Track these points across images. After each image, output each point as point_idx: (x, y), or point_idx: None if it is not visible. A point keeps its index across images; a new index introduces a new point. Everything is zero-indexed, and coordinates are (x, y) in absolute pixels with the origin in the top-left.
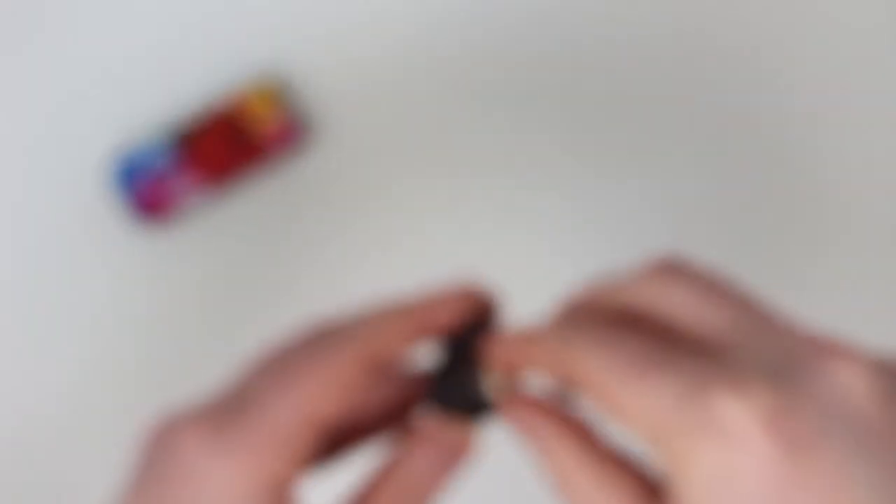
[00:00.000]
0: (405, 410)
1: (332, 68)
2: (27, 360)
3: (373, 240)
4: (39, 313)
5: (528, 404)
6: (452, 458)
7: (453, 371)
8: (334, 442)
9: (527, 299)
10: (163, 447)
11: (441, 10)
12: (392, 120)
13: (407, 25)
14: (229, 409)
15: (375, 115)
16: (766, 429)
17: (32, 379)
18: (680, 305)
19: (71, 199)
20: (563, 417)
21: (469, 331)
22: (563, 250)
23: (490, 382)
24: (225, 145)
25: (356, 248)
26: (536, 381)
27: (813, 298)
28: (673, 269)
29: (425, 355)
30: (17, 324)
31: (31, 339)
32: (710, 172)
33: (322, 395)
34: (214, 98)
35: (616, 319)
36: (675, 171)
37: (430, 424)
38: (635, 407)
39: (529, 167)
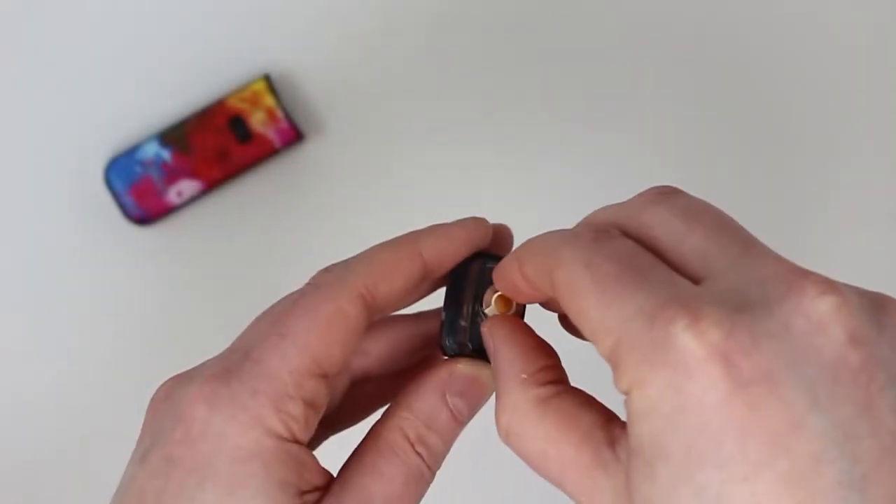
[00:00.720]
0: (415, 358)
1: (330, 68)
2: (25, 357)
3: (370, 238)
4: (37, 310)
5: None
6: (471, 394)
7: (458, 311)
8: (346, 397)
9: None
10: (168, 408)
11: (441, 10)
12: (389, 119)
13: (406, 25)
14: (231, 364)
15: (373, 114)
16: (719, 363)
17: (30, 375)
18: (662, 228)
19: (70, 197)
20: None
21: (477, 267)
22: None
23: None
24: (223, 145)
25: (354, 246)
26: None
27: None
28: (662, 195)
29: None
30: (15, 321)
31: (29, 337)
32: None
33: (320, 339)
34: (213, 98)
35: (604, 237)
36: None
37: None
38: (598, 319)
39: (530, 164)
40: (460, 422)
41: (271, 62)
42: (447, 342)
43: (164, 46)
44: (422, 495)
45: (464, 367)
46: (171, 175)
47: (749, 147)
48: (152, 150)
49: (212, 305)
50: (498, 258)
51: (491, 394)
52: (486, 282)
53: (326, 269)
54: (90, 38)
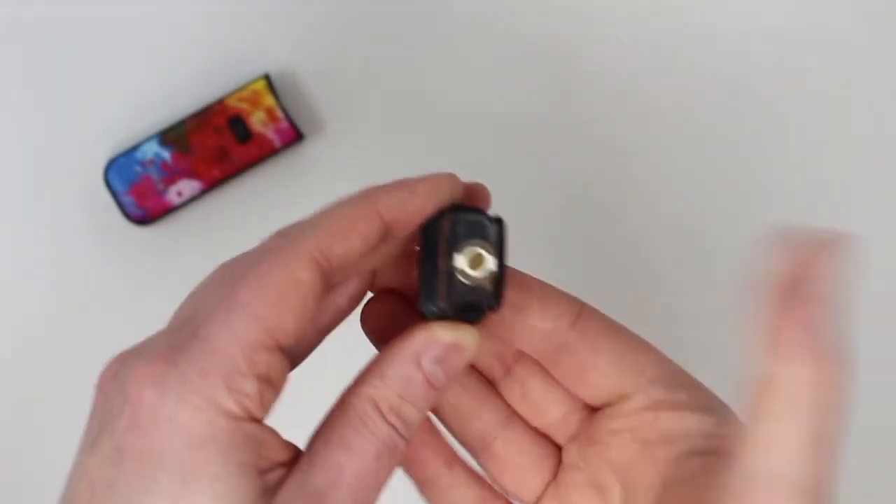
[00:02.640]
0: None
1: (331, 68)
2: (25, 357)
3: None
4: (38, 310)
5: None
6: (449, 360)
7: (433, 270)
8: (304, 351)
9: None
10: (115, 390)
11: (441, 10)
12: (389, 119)
13: (406, 25)
14: (178, 342)
15: (373, 114)
16: None
17: (29, 374)
18: None
19: (70, 197)
20: None
21: (448, 222)
22: (567, 246)
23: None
24: (223, 145)
25: None
26: None
27: None
28: None
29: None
30: (15, 321)
31: (29, 337)
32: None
33: (271, 309)
34: (213, 98)
35: None
36: None
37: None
38: None
39: (529, 162)
40: (437, 389)
41: (271, 62)
42: (424, 306)
43: (164, 46)
44: (394, 467)
45: (441, 332)
46: (171, 175)
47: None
48: (152, 150)
49: None
50: (473, 211)
51: (471, 357)
52: (459, 236)
53: (279, 233)
54: (90, 38)
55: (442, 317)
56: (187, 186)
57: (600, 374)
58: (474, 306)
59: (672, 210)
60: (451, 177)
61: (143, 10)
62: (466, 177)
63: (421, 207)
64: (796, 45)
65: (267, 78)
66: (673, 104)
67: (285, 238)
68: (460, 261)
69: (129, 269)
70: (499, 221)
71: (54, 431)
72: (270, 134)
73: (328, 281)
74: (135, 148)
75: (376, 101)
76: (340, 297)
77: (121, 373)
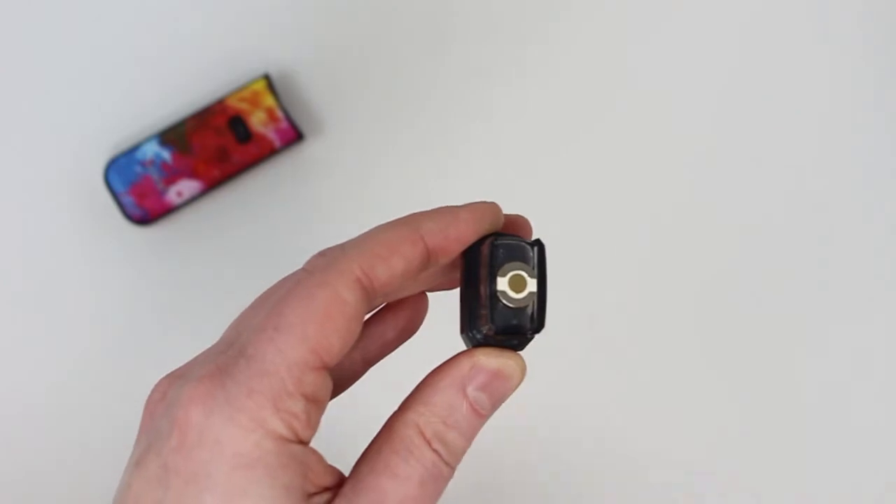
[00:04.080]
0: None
1: (331, 68)
2: (24, 357)
3: None
4: (36, 310)
5: None
6: (494, 387)
7: (476, 297)
8: (348, 379)
9: None
10: (163, 410)
11: (441, 11)
12: (390, 119)
13: (407, 25)
14: (225, 362)
15: (373, 114)
16: None
17: (29, 374)
18: None
19: (70, 197)
20: None
21: (488, 247)
22: (567, 230)
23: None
24: (223, 144)
25: None
26: None
27: None
28: None
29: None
30: (15, 321)
31: (28, 337)
32: None
33: (317, 329)
34: (213, 97)
35: None
36: None
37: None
38: None
39: (530, 160)
40: (483, 416)
41: (271, 62)
42: (467, 333)
43: (164, 46)
44: (439, 494)
45: (485, 358)
46: (171, 175)
47: None
48: (152, 150)
49: (212, 305)
50: (512, 237)
51: (517, 385)
52: (499, 259)
53: (321, 253)
54: (90, 38)
55: (486, 344)
56: (187, 186)
57: None
58: (518, 330)
59: None
60: (494, 205)
61: (144, 9)
62: (467, 176)
63: (463, 233)
64: None
65: (267, 78)
66: None
67: (328, 259)
68: (502, 283)
69: (129, 270)
70: (538, 244)
71: (48, 428)
72: (270, 134)
73: (371, 302)
74: (135, 148)
75: (376, 101)
76: (390, 331)
77: (169, 394)
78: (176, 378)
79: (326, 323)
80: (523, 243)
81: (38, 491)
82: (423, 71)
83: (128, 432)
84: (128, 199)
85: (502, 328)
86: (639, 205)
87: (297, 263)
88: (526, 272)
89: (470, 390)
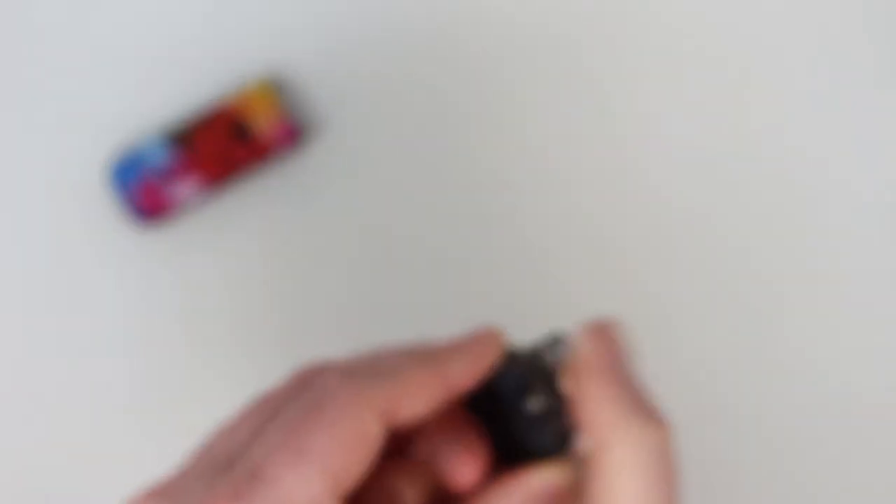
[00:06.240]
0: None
1: (331, 68)
2: (24, 359)
3: (372, 238)
4: (37, 313)
5: None
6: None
7: (508, 426)
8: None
9: (536, 305)
10: None
11: (441, 11)
12: (392, 119)
13: (407, 25)
14: (236, 480)
15: (375, 114)
16: None
17: (28, 375)
18: None
19: (70, 198)
20: None
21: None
22: (570, 258)
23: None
24: (225, 145)
25: (355, 247)
26: None
27: None
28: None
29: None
30: (15, 323)
31: (28, 339)
32: None
33: (340, 460)
34: (214, 98)
35: None
36: None
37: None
38: None
39: (532, 160)
40: None
41: (272, 62)
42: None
43: (164, 46)
44: None
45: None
46: (172, 175)
47: None
48: (152, 150)
49: (212, 306)
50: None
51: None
52: (515, 391)
53: (344, 374)
54: (90, 37)
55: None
56: (187, 187)
57: None
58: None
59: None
60: (499, 333)
61: (144, 9)
62: (468, 176)
63: (480, 373)
64: None
65: (268, 78)
66: None
67: (353, 386)
68: (531, 406)
69: (128, 270)
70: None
71: (51, 433)
72: (271, 134)
73: (389, 433)
74: (135, 148)
75: (378, 101)
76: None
77: None
78: (165, 499)
79: (350, 454)
80: (530, 361)
81: (33, 490)
82: (425, 70)
83: (129, 437)
84: (128, 200)
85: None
86: (638, 205)
87: (298, 264)
88: (543, 391)
89: None
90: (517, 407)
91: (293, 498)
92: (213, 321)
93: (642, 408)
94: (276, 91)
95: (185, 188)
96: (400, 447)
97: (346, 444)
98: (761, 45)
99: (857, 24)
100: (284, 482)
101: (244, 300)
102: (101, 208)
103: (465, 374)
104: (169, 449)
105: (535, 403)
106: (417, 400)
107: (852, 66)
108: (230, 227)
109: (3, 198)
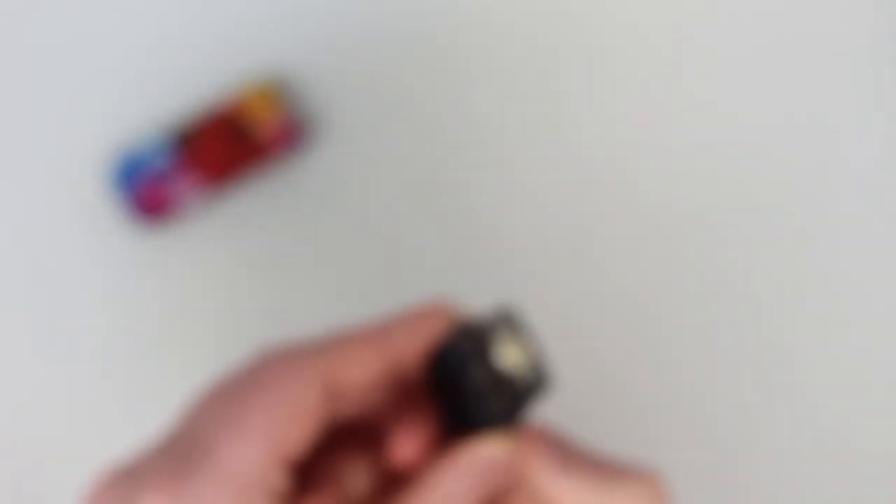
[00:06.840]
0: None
1: (332, 68)
2: (24, 360)
3: (374, 240)
4: (37, 313)
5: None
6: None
7: (460, 399)
8: (310, 469)
9: (534, 287)
10: None
11: (444, 12)
12: (393, 120)
13: (408, 25)
14: (185, 458)
15: (376, 115)
16: None
17: (28, 378)
18: None
19: (70, 198)
20: None
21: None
22: (571, 246)
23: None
24: (225, 145)
25: (357, 249)
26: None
27: None
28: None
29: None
30: (14, 324)
31: (28, 339)
32: None
33: (281, 429)
34: (214, 98)
35: None
36: None
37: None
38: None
39: (532, 161)
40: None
41: (274, 62)
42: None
43: (165, 46)
44: None
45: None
46: (172, 176)
47: None
48: (152, 150)
49: (212, 306)
50: (470, 326)
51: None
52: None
53: (280, 352)
54: (90, 37)
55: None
56: (188, 187)
57: None
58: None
59: None
60: (448, 307)
61: (144, 8)
62: (470, 177)
63: (423, 341)
64: None
65: (268, 78)
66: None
67: (294, 357)
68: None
69: (128, 270)
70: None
71: (45, 434)
72: (271, 134)
73: (335, 409)
74: (135, 148)
75: (379, 101)
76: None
77: (129, 495)
78: (126, 477)
79: (290, 423)
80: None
81: (29, 490)
82: (427, 70)
83: (127, 431)
84: (128, 200)
85: (511, 406)
86: (639, 204)
87: (299, 265)
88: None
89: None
90: (464, 379)
91: (236, 468)
92: (214, 321)
93: (615, 472)
94: (277, 91)
95: (185, 188)
96: (360, 431)
97: (287, 414)
98: (758, 44)
99: (858, 23)
100: (228, 454)
101: (244, 300)
102: (100, 209)
103: (408, 344)
104: None
105: (480, 374)
106: (358, 369)
107: (852, 66)
108: (230, 227)
109: (2, 198)
